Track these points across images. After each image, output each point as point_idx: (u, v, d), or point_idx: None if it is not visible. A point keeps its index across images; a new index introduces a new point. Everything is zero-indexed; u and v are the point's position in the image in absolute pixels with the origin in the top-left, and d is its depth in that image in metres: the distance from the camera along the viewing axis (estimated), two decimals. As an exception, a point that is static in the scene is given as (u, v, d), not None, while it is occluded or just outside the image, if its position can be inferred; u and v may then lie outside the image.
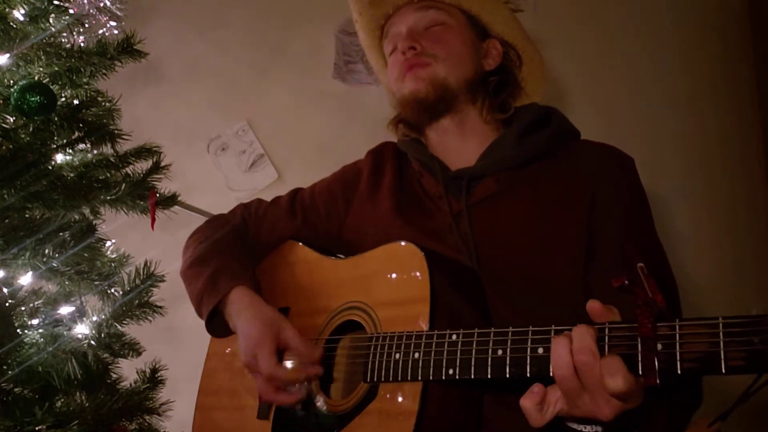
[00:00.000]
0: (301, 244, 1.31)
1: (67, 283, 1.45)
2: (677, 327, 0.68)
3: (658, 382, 0.66)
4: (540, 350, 0.79)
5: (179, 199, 1.68)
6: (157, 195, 1.58)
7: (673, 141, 2.21)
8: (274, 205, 1.38)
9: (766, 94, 2.15)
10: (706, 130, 2.21)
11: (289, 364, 1.07)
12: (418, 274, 1.00)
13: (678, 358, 0.67)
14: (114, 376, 1.51)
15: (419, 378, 0.93)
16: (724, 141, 2.21)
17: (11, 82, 1.37)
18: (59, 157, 1.48)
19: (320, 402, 1.08)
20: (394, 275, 1.05)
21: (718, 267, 2.16)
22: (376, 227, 1.22)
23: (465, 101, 1.22)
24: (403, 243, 1.05)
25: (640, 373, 0.69)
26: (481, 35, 1.26)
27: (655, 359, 0.66)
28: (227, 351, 1.28)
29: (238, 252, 1.27)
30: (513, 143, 1.17)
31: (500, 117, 1.23)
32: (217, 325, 1.20)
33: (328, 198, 1.34)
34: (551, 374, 0.77)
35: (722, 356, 0.64)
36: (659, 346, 0.68)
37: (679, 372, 0.66)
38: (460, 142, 1.23)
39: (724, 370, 0.63)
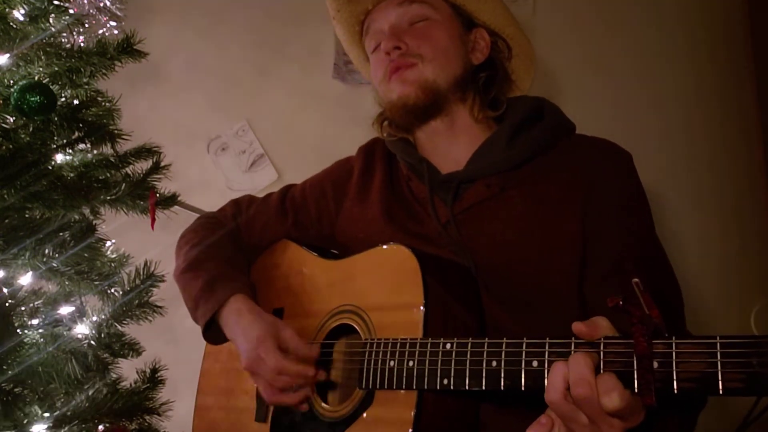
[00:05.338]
0: (294, 243, 1.29)
1: (67, 283, 1.45)
2: (674, 345, 0.67)
3: (654, 401, 0.65)
4: (534, 363, 0.78)
5: (179, 199, 1.68)
6: (157, 195, 1.58)
7: (676, 139, 2.21)
8: (265, 204, 1.35)
9: (766, 92, 2.16)
10: (709, 126, 2.21)
11: None
12: (411, 278, 0.97)
13: (674, 377, 0.65)
14: (114, 376, 1.51)
15: (414, 387, 0.91)
16: (727, 137, 2.21)
17: (11, 82, 1.37)
18: (59, 157, 1.48)
19: (317, 406, 1.08)
20: (387, 279, 1.03)
21: (723, 265, 2.16)
22: (367, 232, 1.19)
23: (455, 101, 1.17)
24: (395, 245, 1.03)
25: (636, 392, 0.68)
26: (468, 25, 1.20)
27: (652, 378, 0.65)
28: (224, 350, 1.27)
29: (233, 255, 1.25)
30: (504, 145, 1.12)
31: (492, 115, 1.18)
32: (214, 332, 1.18)
33: (319, 197, 1.30)
34: (545, 400, 0.75)
35: (719, 377, 0.62)
36: (655, 365, 0.66)
37: (675, 391, 0.65)
38: (450, 143, 1.18)
39: (721, 392, 0.62)
